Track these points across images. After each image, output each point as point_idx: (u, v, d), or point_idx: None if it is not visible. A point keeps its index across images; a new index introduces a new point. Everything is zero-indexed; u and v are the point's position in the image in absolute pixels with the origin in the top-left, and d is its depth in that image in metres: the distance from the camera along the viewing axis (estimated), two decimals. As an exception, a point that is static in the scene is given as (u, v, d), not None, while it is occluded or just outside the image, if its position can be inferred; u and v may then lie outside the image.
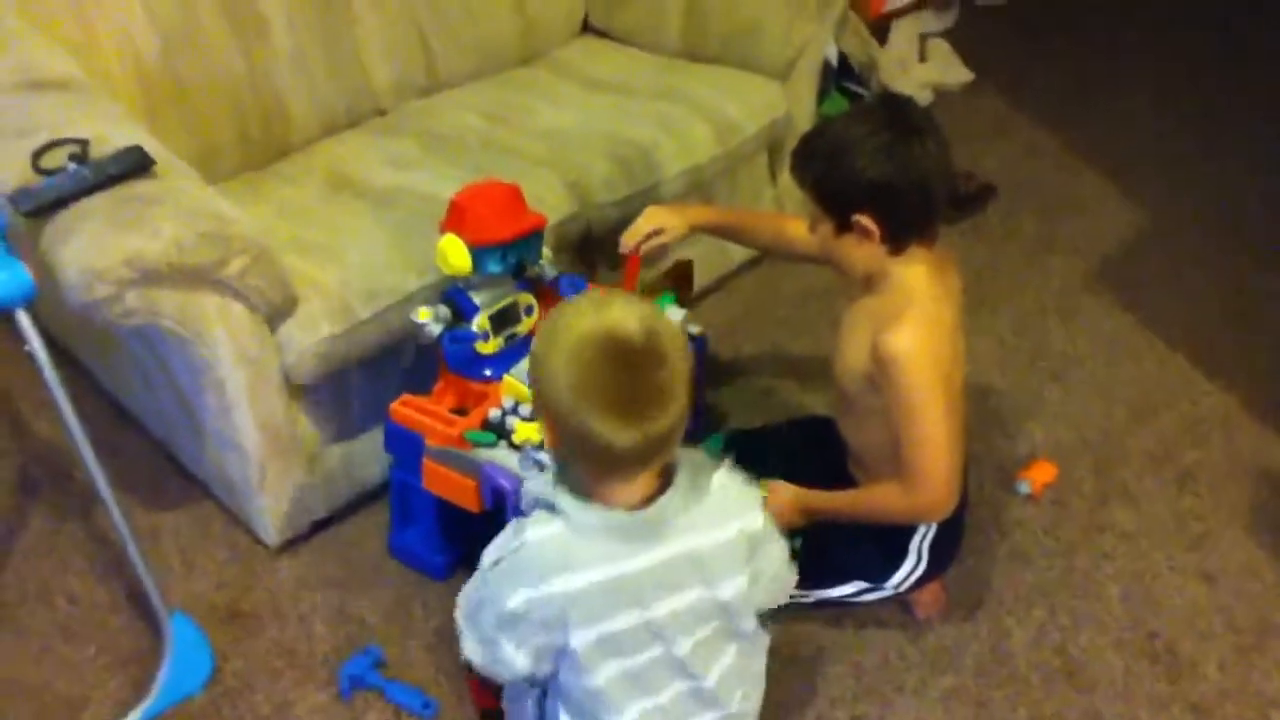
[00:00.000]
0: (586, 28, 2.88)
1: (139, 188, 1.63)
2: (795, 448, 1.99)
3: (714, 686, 1.36)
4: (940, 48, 3.74)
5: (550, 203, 2.12)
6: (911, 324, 1.57)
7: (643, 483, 1.23)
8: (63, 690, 1.78)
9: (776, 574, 1.40)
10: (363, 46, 2.41)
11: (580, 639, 1.25)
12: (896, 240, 1.59)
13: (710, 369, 2.22)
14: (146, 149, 1.67)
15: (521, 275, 1.87)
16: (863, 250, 1.61)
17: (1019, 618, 1.92)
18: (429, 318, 1.80)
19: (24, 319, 1.51)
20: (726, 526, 1.29)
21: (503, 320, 1.87)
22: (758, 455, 1.99)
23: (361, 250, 1.97)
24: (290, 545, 2.00)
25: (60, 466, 2.16)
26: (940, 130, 1.58)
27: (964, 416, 1.68)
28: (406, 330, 1.87)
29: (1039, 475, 2.18)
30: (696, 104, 2.48)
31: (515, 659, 1.28)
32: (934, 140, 1.56)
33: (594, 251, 2.28)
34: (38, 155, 1.65)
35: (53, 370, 1.54)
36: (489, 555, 1.28)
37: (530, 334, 1.92)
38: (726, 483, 1.31)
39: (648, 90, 2.56)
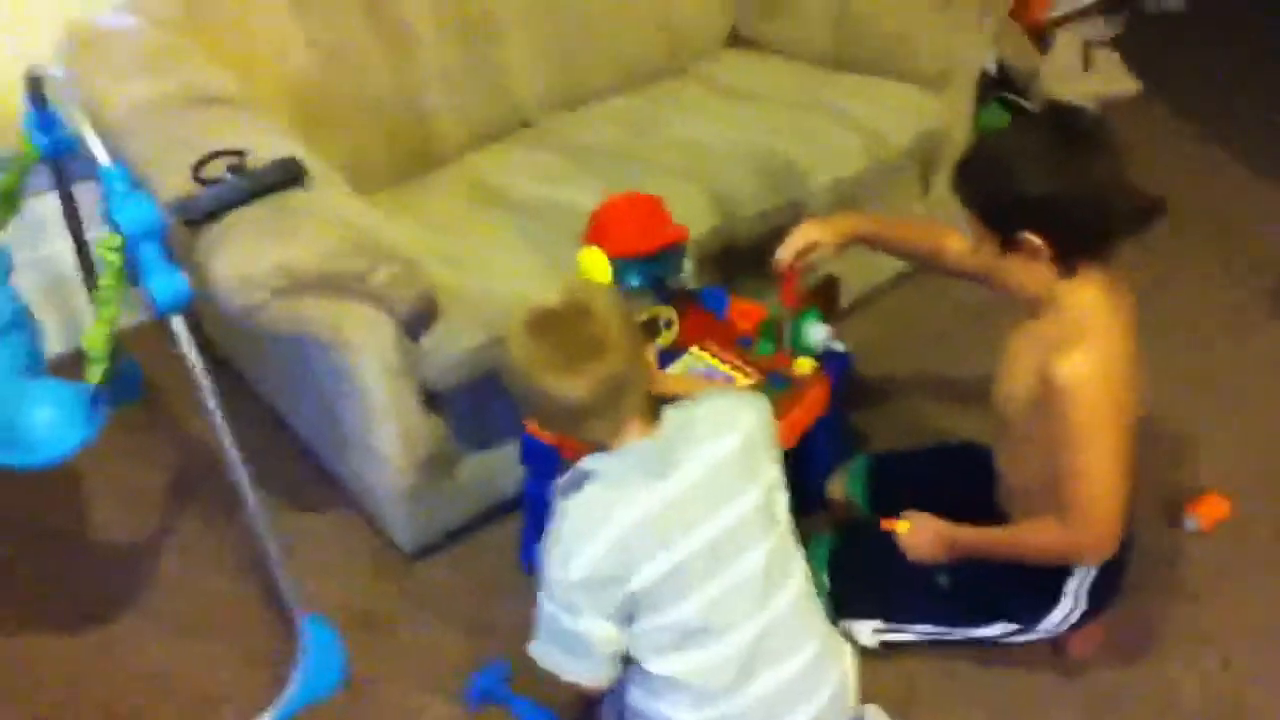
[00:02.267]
0: (734, 39, 2.84)
1: (292, 198, 1.67)
2: (940, 475, 1.91)
3: (774, 626, 1.41)
4: (1107, 57, 3.57)
5: (693, 216, 2.08)
6: (1086, 351, 1.47)
7: (635, 429, 1.37)
8: (201, 686, 1.83)
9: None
10: (509, 60, 2.43)
11: (645, 576, 1.33)
12: (1067, 260, 1.49)
13: (854, 388, 2.15)
14: (300, 161, 1.71)
15: (662, 288, 1.84)
16: (1031, 271, 1.52)
17: (1187, 663, 1.80)
18: (568, 331, 1.79)
19: (179, 325, 1.55)
20: (734, 432, 1.41)
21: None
22: (901, 481, 1.93)
23: (505, 262, 1.97)
24: (426, 553, 2.02)
25: (213, 467, 2.22)
26: (1114, 141, 1.48)
27: (1134, 451, 1.56)
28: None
29: (1210, 510, 2.04)
30: (845, 115, 2.42)
31: (604, 633, 1.35)
32: (1108, 152, 1.46)
33: (736, 264, 2.23)
34: (198, 166, 1.70)
35: (204, 373, 1.58)
36: (544, 547, 1.38)
37: (671, 348, 1.89)
38: (709, 404, 1.45)
39: (795, 101, 2.50)
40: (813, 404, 1.86)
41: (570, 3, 2.48)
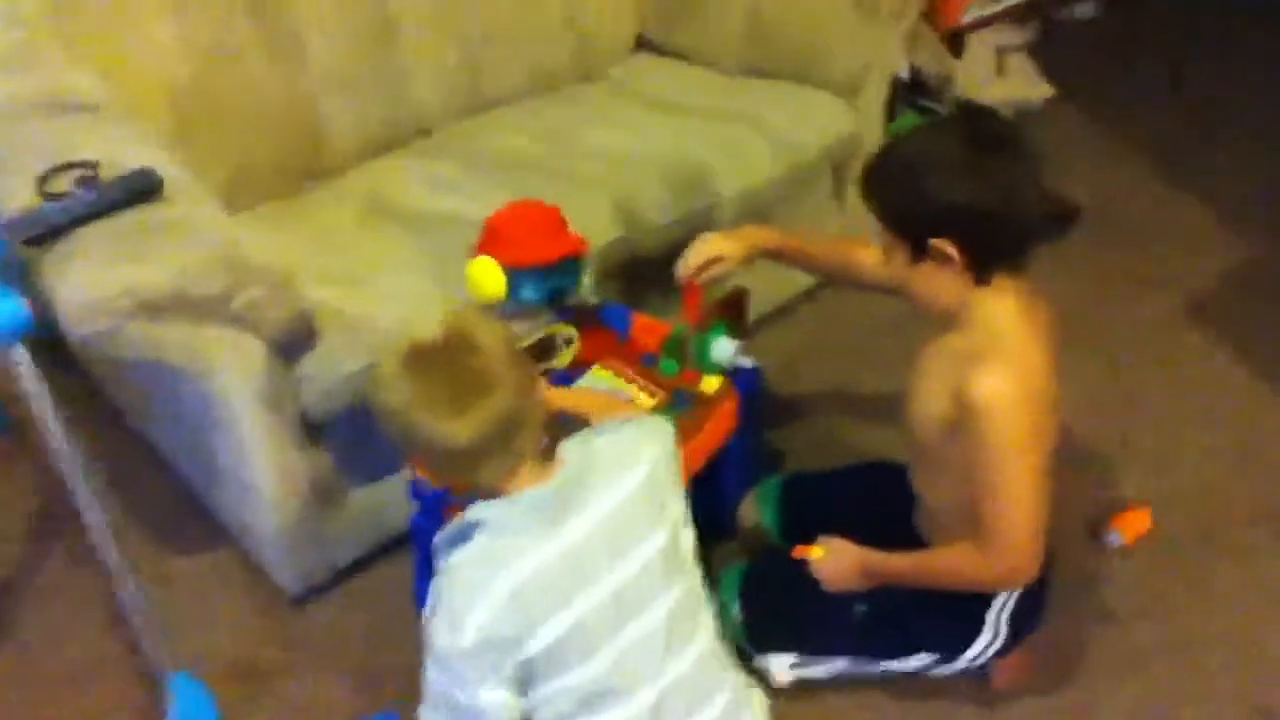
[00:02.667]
0: (644, 45, 2.74)
1: (146, 213, 1.53)
2: (856, 496, 1.81)
3: (681, 680, 1.31)
4: (1020, 63, 3.54)
5: (596, 226, 1.99)
6: (1001, 366, 1.39)
7: (530, 472, 1.24)
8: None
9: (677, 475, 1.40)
10: (406, 66, 2.31)
11: (545, 636, 1.21)
12: (981, 269, 1.41)
13: (767, 406, 2.06)
14: (158, 171, 1.57)
15: (560, 304, 1.73)
16: (942, 280, 1.43)
17: (1111, 689, 1.73)
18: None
19: (20, 355, 1.40)
20: (636, 469, 1.30)
21: (539, 353, 1.74)
22: (814, 503, 1.84)
23: (393, 279, 1.85)
24: (312, 595, 1.88)
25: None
26: (1028, 143, 1.40)
27: (1054, 470, 1.48)
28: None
29: (1132, 525, 1.98)
30: (756, 122, 2.34)
31: (503, 701, 1.22)
32: (1021, 155, 1.38)
33: (643, 278, 2.13)
34: (44, 179, 1.55)
35: (50, 406, 1.43)
36: (427, 612, 1.24)
37: (571, 367, 1.78)
38: (609, 437, 1.33)
39: (706, 109, 2.42)
40: (721, 424, 1.76)
41: (472, 5, 2.38)
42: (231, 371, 1.59)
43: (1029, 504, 1.43)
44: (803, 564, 1.65)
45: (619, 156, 2.22)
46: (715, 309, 1.88)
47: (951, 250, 1.39)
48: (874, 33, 2.47)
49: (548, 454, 1.27)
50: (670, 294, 1.85)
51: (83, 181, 1.54)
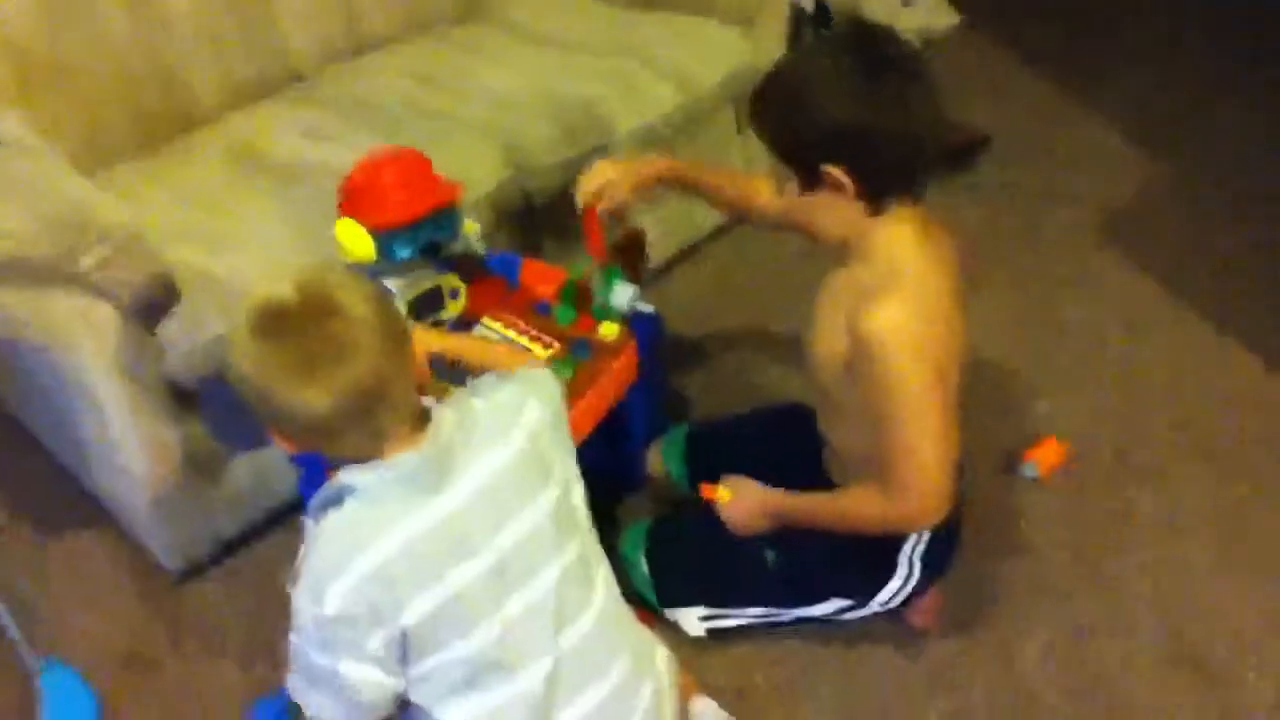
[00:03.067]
0: (533, -22, 2.62)
1: (-26, 170, 1.40)
2: (765, 442, 1.74)
3: (577, 648, 1.22)
4: (927, -10, 3.48)
5: (483, 171, 1.89)
6: (897, 298, 1.32)
7: (402, 439, 1.13)
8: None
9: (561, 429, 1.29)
10: (275, 10, 2.18)
11: (418, 610, 1.11)
12: (875, 196, 1.33)
13: (672, 352, 1.98)
14: (-16, 125, 1.43)
15: (439, 255, 1.63)
16: (835, 210, 1.35)
17: (1030, 625, 1.69)
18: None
19: None
20: (517, 431, 1.20)
21: (424, 307, 1.63)
22: (725, 450, 1.77)
23: (262, 234, 1.74)
24: (196, 572, 1.77)
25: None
26: (922, 62, 1.32)
27: (960, 406, 1.42)
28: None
29: (1047, 456, 1.95)
30: (650, 56, 2.24)
31: (366, 676, 1.13)
32: (913, 71, 1.30)
33: (538, 224, 2.04)
34: None
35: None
36: (291, 576, 1.14)
37: (459, 320, 1.68)
38: (487, 397, 1.23)
39: (598, 44, 2.32)
40: (621, 372, 1.68)
41: (345, -57, 2.24)
42: (85, 341, 1.47)
43: (932, 443, 1.37)
44: (710, 514, 1.58)
45: (506, 97, 2.12)
46: (612, 253, 1.79)
47: (843, 176, 1.31)
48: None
49: (422, 417, 1.17)
50: (566, 240, 1.76)
51: (-100, 139, 1.40)
